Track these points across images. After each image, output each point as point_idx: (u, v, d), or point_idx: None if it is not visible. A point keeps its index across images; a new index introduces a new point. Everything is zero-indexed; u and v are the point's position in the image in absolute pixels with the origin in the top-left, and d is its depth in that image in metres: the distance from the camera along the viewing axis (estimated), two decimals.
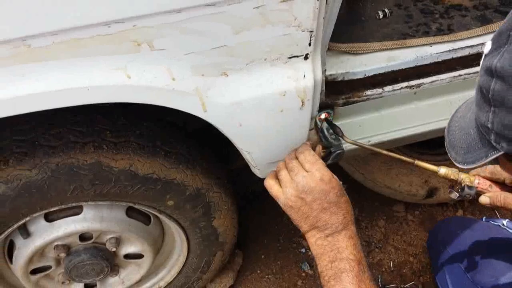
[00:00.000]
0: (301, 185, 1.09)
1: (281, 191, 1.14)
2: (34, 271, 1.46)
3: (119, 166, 1.22)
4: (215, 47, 0.96)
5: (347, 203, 1.12)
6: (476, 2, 1.46)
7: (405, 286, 1.83)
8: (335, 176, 1.13)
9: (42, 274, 1.48)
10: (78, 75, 0.93)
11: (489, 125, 0.75)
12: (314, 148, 1.23)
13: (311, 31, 0.99)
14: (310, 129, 1.26)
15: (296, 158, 1.16)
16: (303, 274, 1.91)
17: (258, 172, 1.35)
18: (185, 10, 0.88)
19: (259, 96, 1.08)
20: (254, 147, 1.22)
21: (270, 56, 1.03)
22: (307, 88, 1.10)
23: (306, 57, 1.06)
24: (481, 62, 0.80)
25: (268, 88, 1.07)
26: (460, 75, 1.40)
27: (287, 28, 0.97)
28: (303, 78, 1.08)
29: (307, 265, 1.92)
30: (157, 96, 1.00)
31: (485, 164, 0.85)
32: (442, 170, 1.16)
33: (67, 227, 1.35)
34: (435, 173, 1.18)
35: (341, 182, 1.15)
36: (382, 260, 1.92)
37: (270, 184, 1.18)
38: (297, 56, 1.05)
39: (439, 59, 1.36)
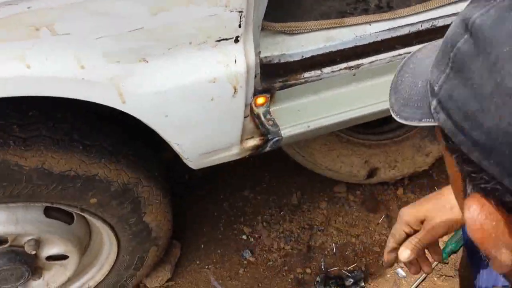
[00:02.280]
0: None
1: None
2: None
3: (30, 165, 1.08)
4: (130, 30, 0.84)
5: None
6: None
7: (348, 268, 1.80)
8: None
9: None
10: None
11: (436, 88, 0.60)
12: None
13: (241, 11, 0.89)
14: (245, 117, 1.17)
15: None
16: (245, 262, 1.84)
17: (190, 164, 1.25)
18: None
19: (186, 84, 0.97)
20: (183, 138, 1.11)
21: (195, 39, 0.91)
22: (239, 73, 0.99)
23: (236, 40, 0.95)
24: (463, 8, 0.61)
25: (196, 75, 0.96)
26: (400, 55, 1.35)
27: (214, 8, 0.86)
28: (234, 63, 0.98)
29: (249, 252, 1.85)
30: (65, 88, 0.87)
31: (418, 127, 0.76)
32: None
33: None
34: None
35: None
36: (324, 243, 1.88)
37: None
38: (227, 39, 0.94)
39: (379, 38, 1.30)
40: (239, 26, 0.92)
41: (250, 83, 1.06)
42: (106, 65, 0.87)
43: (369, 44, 1.30)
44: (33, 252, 1.32)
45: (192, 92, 0.98)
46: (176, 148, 1.14)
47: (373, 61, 1.33)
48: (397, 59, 1.35)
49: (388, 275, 1.80)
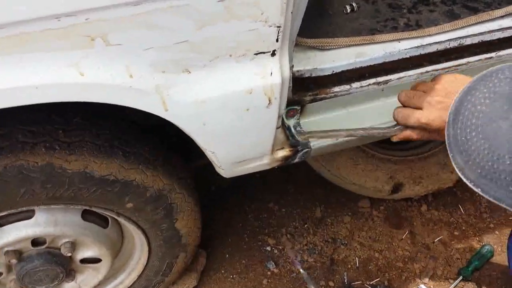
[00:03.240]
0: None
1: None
2: None
3: (73, 168, 1.13)
4: (176, 43, 0.90)
5: None
6: None
7: (371, 283, 1.82)
8: None
9: None
10: (27, 72, 0.84)
11: None
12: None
13: (279, 26, 0.94)
14: (277, 128, 1.21)
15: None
16: (269, 273, 1.87)
17: (223, 172, 1.29)
18: (144, 2, 0.81)
19: (224, 94, 1.02)
20: (218, 147, 1.16)
21: (235, 52, 0.97)
22: (275, 85, 1.04)
23: (273, 54, 1.00)
24: None
25: (234, 86, 1.02)
26: (427, 71, 1.38)
27: (254, 23, 0.91)
28: (270, 75, 1.03)
29: (273, 263, 1.88)
30: (114, 95, 0.93)
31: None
32: None
33: (18, 232, 1.26)
34: None
35: None
36: (347, 257, 1.91)
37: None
38: (264, 53, 0.99)
39: (408, 55, 1.34)
40: (277, 40, 0.97)
41: (284, 95, 1.11)
42: (152, 74, 0.93)
43: (398, 60, 1.33)
44: (69, 254, 1.37)
45: (230, 102, 1.03)
46: (210, 156, 1.19)
47: (401, 77, 1.36)
48: (425, 76, 1.39)
49: None
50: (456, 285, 1.83)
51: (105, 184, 1.19)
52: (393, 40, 1.29)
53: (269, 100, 1.07)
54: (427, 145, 1.95)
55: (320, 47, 1.26)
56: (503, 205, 0.60)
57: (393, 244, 1.95)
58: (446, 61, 1.39)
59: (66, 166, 1.13)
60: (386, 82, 1.35)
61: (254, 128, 1.14)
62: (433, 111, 1.06)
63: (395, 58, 1.32)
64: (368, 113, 1.43)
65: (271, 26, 0.93)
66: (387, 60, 1.31)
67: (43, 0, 0.75)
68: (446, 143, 0.71)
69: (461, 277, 1.83)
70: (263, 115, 1.10)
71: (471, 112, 0.66)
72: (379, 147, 1.91)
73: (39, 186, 1.12)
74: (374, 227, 2.00)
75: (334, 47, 1.27)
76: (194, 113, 1.03)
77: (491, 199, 0.61)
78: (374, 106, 1.44)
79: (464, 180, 0.66)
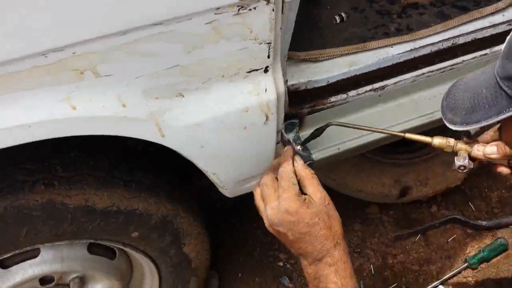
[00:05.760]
0: (270, 218, 1.00)
1: (264, 218, 1.04)
2: None
3: (74, 203, 1.12)
4: (167, 68, 0.89)
5: (325, 229, 1.00)
6: None
7: None
8: (313, 198, 1.02)
9: None
10: (18, 111, 0.83)
11: None
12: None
13: (269, 43, 0.93)
14: (277, 143, 1.20)
15: (276, 177, 1.04)
16: None
17: (226, 192, 1.28)
18: (131, 31, 0.80)
19: (220, 115, 1.01)
20: (219, 168, 1.15)
21: (227, 72, 0.96)
22: (270, 101, 1.03)
23: (266, 70, 0.99)
24: None
25: (229, 106, 1.00)
26: (423, 74, 1.38)
27: (243, 42, 0.90)
28: (265, 91, 1.02)
29: (287, 279, 1.85)
30: (108, 126, 0.92)
31: (491, 124, 0.82)
32: (436, 141, 1.05)
33: (25, 272, 1.24)
34: (428, 144, 1.10)
35: (326, 201, 1.04)
36: (362, 265, 1.88)
37: (257, 204, 1.08)
38: (257, 70, 0.98)
39: (401, 59, 1.33)
40: (268, 56, 0.96)
41: (280, 109, 1.10)
42: (146, 102, 0.92)
43: (392, 65, 1.32)
44: None
45: (226, 123, 1.02)
46: (212, 177, 1.18)
47: (397, 82, 1.35)
48: (421, 78, 1.38)
49: None
50: (459, 272, 1.78)
51: (108, 215, 1.18)
52: (386, 46, 1.28)
53: (266, 117, 1.05)
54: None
55: (313, 59, 1.26)
56: (485, 122, 0.79)
57: (407, 247, 1.92)
58: (441, 61, 1.38)
59: (67, 202, 1.11)
60: (382, 87, 1.34)
61: (254, 146, 1.12)
62: None
63: (389, 64, 1.31)
64: (367, 119, 1.42)
65: (261, 43, 0.92)
66: (381, 66, 1.31)
67: (28, 37, 0.74)
68: (441, 113, 0.88)
69: (466, 264, 1.80)
70: (261, 132, 1.09)
71: (457, 88, 0.87)
72: (383, 152, 1.89)
73: (41, 224, 1.11)
74: (386, 233, 1.97)
75: (327, 57, 1.26)
76: (191, 137, 1.01)
77: (472, 125, 0.81)
78: (373, 112, 1.42)
79: (452, 126, 0.84)
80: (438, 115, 1.47)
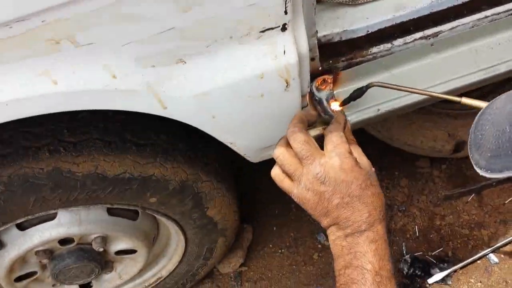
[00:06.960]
0: (319, 176, 0.88)
1: (294, 186, 0.94)
2: (20, 278, 1.34)
3: (83, 171, 1.04)
4: (159, 32, 0.75)
5: (374, 197, 0.90)
6: None
7: (433, 253, 1.65)
8: (360, 162, 0.91)
9: (30, 279, 1.36)
10: None
11: None
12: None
13: None
14: (304, 107, 1.05)
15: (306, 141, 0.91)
16: (319, 246, 1.75)
17: (250, 159, 1.17)
18: None
19: (230, 83, 0.87)
20: (236, 137, 1.02)
21: (236, 33, 0.80)
22: (290, 65, 0.87)
23: (283, 28, 0.83)
24: None
25: (241, 72, 0.86)
26: (486, 17, 1.16)
27: None
28: (284, 54, 0.86)
29: (323, 236, 1.75)
30: (99, 100, 0.81)
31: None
32: None
33: (42, 234, 1.21)
34: None
35: (372, 169, 0.94)
36: (405, 225, 1.74)
37: (279, 178, 0.97)
38: (272, 28, 0.82)
39: (460, 1, 1.11)
40: (285, 12, 0.80)
41: (304, 72, 0.94)
42: (140, 71, 0.79)
43: (448, 8, 1.12)
44: (101, 249, 1.32)
45: (239, 91, 0.88)
46: (230, 146, 1.06)
47: (454, 27, 1.15)
48: (483, 23, 1.16)
49: (478, 261, 1.63)
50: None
51: (120, 183, 1.10)
52: None
53: (287, 83, 0.90)
54: (490, 95, 1.69)
55: (350, 3, 1.07)
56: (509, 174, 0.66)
57: (457, 208, 1.75)
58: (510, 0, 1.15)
59: (75, 169, 1.04)
60: (436, 34, 1.15)
61: (274, 113, 0.98)
62: None
63: (445, 6, 1.10)
64: (417, 73, 1.22)
65: None
66: (434, 10, 1.10)
67: None
68: (468, 149, 0.75)
69: None
70: (282, 99, 0.94)
71: (486, 118, 0.73)
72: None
73: (49, 192, 1.05)
74: (436, 190, 1.80)
75: (368, 0, 1.07)
76: (199, 107, 0.89)
77: (495, 175, 0.67)
78: (424, 64, 1.22)
79: (478, 170, 0.71)
80: (503, 68, 1.26)
